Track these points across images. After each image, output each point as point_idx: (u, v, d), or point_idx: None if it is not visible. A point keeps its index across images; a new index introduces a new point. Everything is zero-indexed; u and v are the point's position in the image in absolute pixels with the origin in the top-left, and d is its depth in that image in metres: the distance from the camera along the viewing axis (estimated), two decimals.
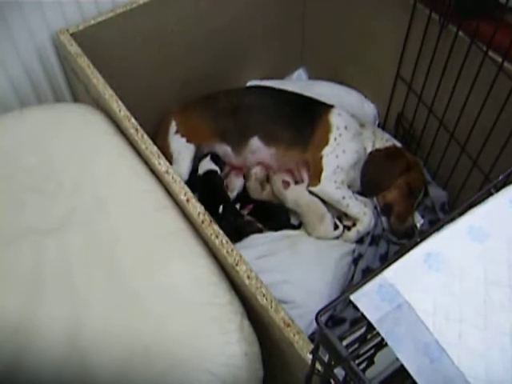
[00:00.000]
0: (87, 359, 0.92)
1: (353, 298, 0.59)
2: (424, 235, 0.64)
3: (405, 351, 0.56)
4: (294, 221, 1.59)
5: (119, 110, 1.22)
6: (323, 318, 0.60)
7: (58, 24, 1.42)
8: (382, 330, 0.57)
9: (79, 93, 1.55)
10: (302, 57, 2.03)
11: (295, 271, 1.41)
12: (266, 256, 1.45)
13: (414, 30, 1.49)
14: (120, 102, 1.24)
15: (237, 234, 1.48)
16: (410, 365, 0.56)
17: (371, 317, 0.58)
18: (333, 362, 0.64)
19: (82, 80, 1.39)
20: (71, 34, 1.39)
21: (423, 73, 1.50)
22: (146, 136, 1.18)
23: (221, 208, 1.52)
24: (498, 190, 0.69)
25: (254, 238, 1.51)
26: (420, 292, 0.59)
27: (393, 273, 0.60)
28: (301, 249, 1.47)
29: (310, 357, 0.86)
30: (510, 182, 0.69)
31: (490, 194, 0.68)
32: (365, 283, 0.60)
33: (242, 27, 1.73)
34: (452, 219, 0.65)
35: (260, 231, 1.53)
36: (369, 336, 0.63)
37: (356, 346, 0.63)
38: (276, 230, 1.54)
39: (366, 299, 0.59)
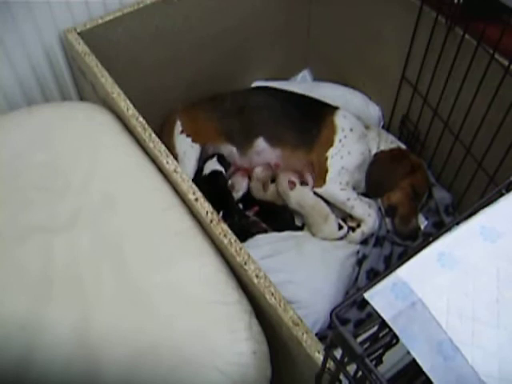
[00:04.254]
0: (95, 356, 0.92)
1: (367, 296, 0.60)
2: (437, 235, 0.64)
3: (418, 349, 0.57)
4: (297, 222, 1.60)
5: (127, 109, 1.23)
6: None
7: (65, 23, 1.43)
8: (396, 328, 0.58)
9: (86, 92, 1.56)
10: (307, 58, 2.03)
11: (300, 271, 1.42)
12: (270, 256, 1.45)
13: (420, 32, 1.49)
14: (128, 101, 1.25)
15: (242, 234, 1.48)
16: (424, 363, 0.56)
17: (385, 315, 0.58)
18: (346, 360, 0.64)
19: (89, 79, 1.40)
20: (79, 33, 1.39)
21: (429, 75, 1.51)
22: (153, 135, 1.19)
23: (221, 213, 1.52)
24: (508, 190, 0.69)
25: (259, 239, 1.51)
26: (433, 290, 0.59)
27: (406, 271, 0.61)
28: (305, 249, 1.48)
29: (320, 356, 0.87)
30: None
31: (502, 195, 0.68)
32: (378, 281, 0.60)
33: (248, 28, 1.73)
34: (464, 219, 0.66)
35: (265, 231, 1.54)
36: (380, 334, 0.63)
37: (368, 344, 0.63)
38: (280, 230, 1.55)
39: (379, 297, 0.59)
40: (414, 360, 0.56)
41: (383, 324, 0.59)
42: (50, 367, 0.92)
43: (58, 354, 0.94)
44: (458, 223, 0.66)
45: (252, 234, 1.52)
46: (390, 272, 0.61)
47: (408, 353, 0.57)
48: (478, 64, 1.32)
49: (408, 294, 0.59)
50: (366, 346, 0.62)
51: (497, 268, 0.62)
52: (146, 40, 1.52)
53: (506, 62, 1.25)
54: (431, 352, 0.57)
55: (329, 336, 0.63)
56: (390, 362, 0.82)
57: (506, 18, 1.26)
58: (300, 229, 1.59)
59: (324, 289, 1.39)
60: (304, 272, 1.42)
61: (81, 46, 1.36)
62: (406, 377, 0.74)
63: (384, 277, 0.61)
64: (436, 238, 0.64)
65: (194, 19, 1.58)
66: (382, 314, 0.58)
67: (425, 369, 0.56)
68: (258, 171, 1.62)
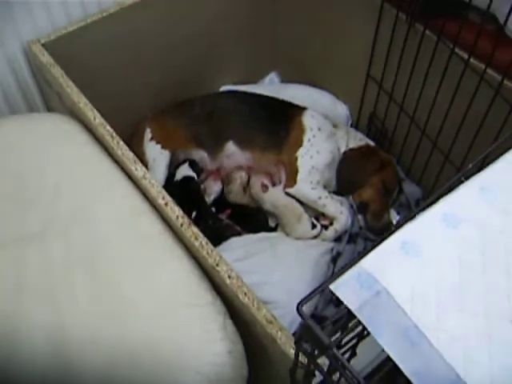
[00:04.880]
0: (72, 365, 0.92)
1: (332, 287, 0.61)
2: (399, 224, 0.66)
3: (385, 337, 0.58)
4: (271, 222, 1.61)
5: (94, 118, 1.23)
6: (304, 309, 0.61)
7: (29, 35, 1.42)
8: (362, 317, 0.58)
9: (53, 102, 1.55)
10: (274, 61, 2.05)
11: (275, 272, 1.42)
12: (245, 258, 1.45)
13: (382, 30, 1.51)
14: (95, 110, 1.24)
15: (215, 237, 1.48)
16: (390, 350, 0.57)
17: (351, 305, 0.59)
18: (316, 352, 0.65)
19: (55, 90, 1.39)
20: (43, 45, 1.39)
21: (393, 71, 1.53)
22: (121, 142, 1.19)
23: (194, 214, 1.53)
24: (467, 178, 0.71)
25: (233, 241, 1.52)
26: (397, 279, 0.60)
27: (370, 261, 0.62)
28: (280, 250, 1.48)
29: (294, 350, 0.88)
30: (479, 171, 0.71)
31: (461, 182, 0.70)
32: (343, 273, 0.61)
33: (213, 33, 1.74)
34: (425, 207, 0.67)
35: (239, 234, 1.54)
36: (350, 325, 0.64)
37: (338, 335, 0.64)
38: (254, 232, 1.55)
39: (344, 288, 0.60)
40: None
41: (351, 314, 0.60)
42: (26, 378, 0.92)
43: (35, 364, 0.93)
44: (420, 211, 0.67)
45: (226, 237, 1.52)
46: (355, 263, 0.62)
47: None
48: (439, 59, 1.35)
49: (373, 283, 0.60)
50: (336, 337, 0.63)
51: (459, 254, 0.64)
52: (111, 48, 1.52)
53: (465, 56, 1.28)
54: (397, 339, 0.58)
55: (298, 329, 0.64)
56: (369, 357, 0.84)
57: (464, 14, 1.29)
58: (274, 230, 1.60)
59: (299, 288, 1.40)
60: (279, 272, 1.43)
61: (45, 58, 1.36)
62: (383, 371, 0.75)
63: (349, 267, 0.62)
64: (399, 226, 0.65)
65: (159, 26, 1.58)
66: (348, 304, 0.59)
67: (392, 356, 0.57)
68: (242, 175, 1.63)
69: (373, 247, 0.63)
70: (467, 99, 1.31)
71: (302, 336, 0.64)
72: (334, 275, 0.62)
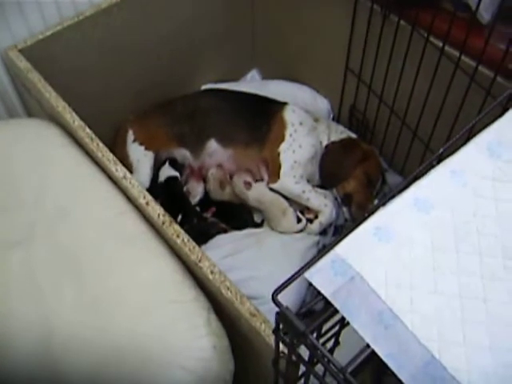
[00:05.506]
0: (59, 366, 0.93)
1: (307, 275, 0.62)
2: (372, 210, 0.66)
3: (360, 321, 0.58)
4: (257, 218, 1.61)
5: (73, 121, 1.23)
6: (279, 297, 0.62)
7: (5, 41, 1.41)
8: (337, 303, 0.59)
9: (32, 108, 1.55)
10: (254, 58, 2.06)
11: (262, 267, 1.43)
12: (232, 255, 1.46)
13: (358, 23, 1.52)
14: (74, 114, 1.25)
15: (202, 236, 1.49)
16: (365, 334, 0.58)
17: (325, 291, 0.60)
18: (295, 341, 0.66)
19: (34, 95, 1.39)
20: (19, 50, 1.39)
21: (371, 63, 1.54)
22: (101, 144, 1.19)
23: (179, 217, 1.53)
24: (439, 162, 0.72)
25: (220, 239, 1.53)
26: (371, 264, 0.61)
27: (344, 248, 0.62)
28: (266, 245, 1.49)
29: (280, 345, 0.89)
30: (449, 155, 0.72)
31: (432, 167, 0.70)
32: (318, 260, 0.62)
33: (191, 32, 1.74)
34: (397, 193, 0.68)
35: (225, 231, 1.55)
36: (329, 313, 0.64)
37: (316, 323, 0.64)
38: (240, 229, 1.56)
39: (319, 275, 0.61)
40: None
41: (328, 302, 0.61)
42: (14, 379, 0.92)
43: (23, 365, 0.94)
44: (392, 198, 0.68)
45: (212, 235, 1.53)
46: (329, 250, 0.62)
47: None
48: (415, 48, 1.36)
49: (347, 269, 0.61)
50: (313, 325, 0.64)
51: (431, 237, 0.64)
52: (88, 52, 1.52)
53: (440, 44, 1.29)
54: (372, 323, 0.58)
55: (275, 318, 0.64)
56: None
57: (438, 3, 1.30)
58: (259, 225, 1.60)
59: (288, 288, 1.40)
60: (266, 267, 1.44)
61: (23, 63, 1.36)
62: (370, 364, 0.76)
63: (323, 255, 0.62)
64: (371, 213, 0.66)
65: (136, 27, 1.58)
66: (323, 291, 0.60)
67: (367, 340, 0.58)
68: (213, 172, 1.63)
69: (346, 234, 0.64)
70: (444, 87, 1.32)
71: (279, 323, 0.64)
72: (308, 263, 0.62)
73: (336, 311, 0.61)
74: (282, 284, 0.63)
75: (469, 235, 0.66)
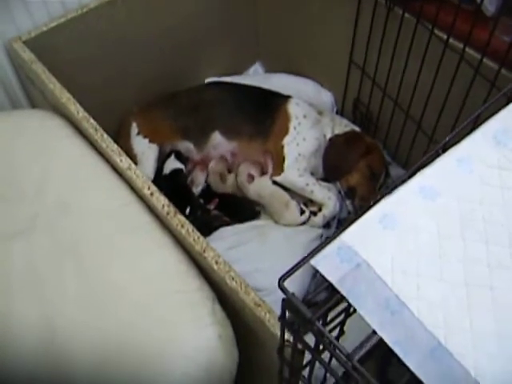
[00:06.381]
0: (62, 358, 0.93)
1: (313, 262, 0.61)
2: (378, 198, 0.66)
3: (366, 308, 0.58)
4: (259, 208, 1.61)
5: (77, 112, 1.23)
6: (286, 284, 0.62)
7: (9, 33, 1.41)
8: (343, 289, 0.59)
9: (36, 100, 1.55)
10: (257, 51, 2.05)
11: (265, 259, 1.43)
12: (235, 247, 1.46)
13: (362, 15, 1.52)
14: (78, 105, 1.25)
15: (205, 228, 1.49)
16: (372, 320, 0.58)
17: (332, 278, 0.60)
18: (301, 329, 0.66)
19: (38, 86, 1.39)
20: (24, 42, 1.39)
21: (375, 56, 1.54)
22: (105, 135, 1.19)
23: (188, 209, 1.53)
24: (444, 150, 0.72)
25: (223, 231, 1.53)
26: (377, 251, 0.61)
27: (350, 235, 0.62)
28: (269, 237, 1.49)
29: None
30: (453, 145, 0.72)
31: (438, 155, 0.70)
32: (324, 247, 0.62)
33: (194, 25, 1.74)
34: (403, 181, 0.68)
35: (228, 224, 1.55)
36: (334, 301, 0.64)
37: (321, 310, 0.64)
38: (243, 221, 1.56)
39: (325, 262, 0.61)
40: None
41: (334, 289, 0.61)
42: (17, 369, 0.93)
43: (25, 356, 0.94)
44: (398, 186, 0.68)
45: (215, 228, 1.53)
46: (335, 237, 0.62)
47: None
48: (419, 41, 1.35)
49: (353, 256, 0.61)
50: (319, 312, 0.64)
51: (437, 225, 0.64)
52: (92, 44, 1.52)
53: (444, 36, 1.29)
54: (378, 309, 0.58)
55: (281, 305, 0.64)
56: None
57: None
58: (259, 214, 1.61)
59: (290, 279, 1.40)
60: (269, 259, 1.44)
61: (27, 54, 1.36)
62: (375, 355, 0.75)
63: (329, 242, 0.62)
64: (377, 201, 0.66)
65: (139, 19, 1.58)
66: (329, 278, 0.60)
67: (373, 326, 0.58)
68: (213, 165, 1.63)
69: (352, 222, 0.64)
70: (448, 80, 1.31)
71: (285, 311, 0.64)
72: (314, 250, 0.62)
73: (341, 299, 0.61)
74: (289, 270, 0.63)
75: (475, 223, 0.65)
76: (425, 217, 0.65)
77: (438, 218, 0.65)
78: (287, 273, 0.63)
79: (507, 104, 0.75)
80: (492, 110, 0.75)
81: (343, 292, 0.59)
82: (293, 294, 0.61)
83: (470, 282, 0.61)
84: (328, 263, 0.61)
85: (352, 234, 0.62)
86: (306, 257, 0.63)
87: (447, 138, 0.73)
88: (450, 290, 0.60)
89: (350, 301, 0.59)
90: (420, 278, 0.61)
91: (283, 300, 0.63)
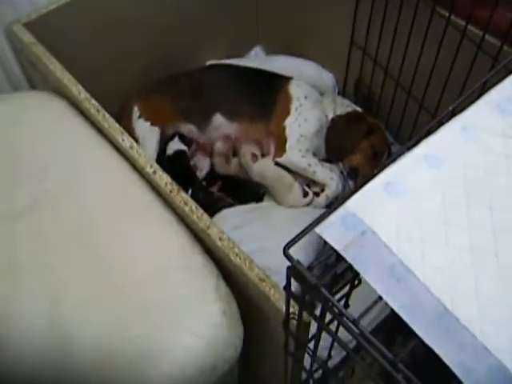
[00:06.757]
0: (68, 336, 0.93)
1: (318, 230, 0.62)
2: (381, 167, 0.66)
3: (371, 274, 0.58)
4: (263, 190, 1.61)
5: (79, 93, 1.23)
6: (291, 251, 0.62)
7: (9, 16, 1.40)
8: (348, 256, 0.59)
9: (37, 83, 1.55)
10: (258, 34, 2.04)
11: (269, 239, 1.43)
12: (239, 227, 1.46)
13: None
14: (79, 85, 1.24)
15: (208, 209, 1.49)
16: (377, 286, 0.58)
17: (337, 246, 0.60)
18: (306, 297, 0.66)
19: (39, 69, 1.39)
20: (24, 24, 1.38)
21: (376, 36, 1.53)
22: (107, 115, 1.19)
23: (190, 191, 1.54)
24: (448, 120, 0.72)
25: (226, 213, 1.53)
26: (382, 218, 0.61)
27: (354, 203, 0.62)
28: (273, 217, 1.49)
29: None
30: (459, 112, 0.71)
31: (442, 124, 0.70)
32: (328, 215, 0.62)
33: (195, 7, 1.73)
34: (407, 150, 0.68)
35: (231, 205, 1.55)
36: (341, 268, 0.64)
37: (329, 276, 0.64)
38: (246, 202, 1.56)
39: (330, 230, 0.61)
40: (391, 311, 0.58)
41: (339, 257, 0.61)
42: (23, 351, 0.93)
43: (32, 337, 0.94)
44: (401, 154, 0.68)
45: (218, 209, 1.53)
46: (339, 205, 0.63)
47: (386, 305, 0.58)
48: (420, 19, 1.35)
49: (358, 223, 0.61)
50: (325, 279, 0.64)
51: (442, 192, 0.64)
52: (92, 26, 1.51)
53: (446, 14, 1.28)
54: (384, 275, 0.58)
55: (286, 273, 0.64)
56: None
57: None
58: (263, 196, 1.61)
59: (294, 254, 1.40)
60: (273, 240, 1.43)
61: (27, 37, 1.35)
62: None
63: (334, 211, 0.62)
64: (381, 169, 0.66)
65: (140, 1, 1.58)
66: (334, 245, 0.60)
67: (379, 292, 0.58)
68: (219, 145, 1.63)
69: (356, 190, 0.64)
70: (450, 58, 1.31)
71: (290, 279, 0.64)
72: (319, 218, 0.62)
73: (346, 269, 0.61)
74: (294, 238, 0.63)
75: (479, 190, 0.65)
76: (429, 184, 0.64)
77: (442, 186, 0.65)
78: (292, 240, 0.63)
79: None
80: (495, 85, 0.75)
81: (348, 259, 0.59)
82: (297, 260, 0.61)
83: (475, 248, 0.61)
84: (333, 231, 0.61)
85: (356, 202, 0.63)
86: (310, 224, 0.62)
87: (450, 108, 0.73)
88: (456, 256, 0.60)
89: (356, 267, 0.59)
90: (425, 245, 0.61)
91: (288, 268, 0.63)
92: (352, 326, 0.59)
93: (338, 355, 1.01)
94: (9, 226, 1.06)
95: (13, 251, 1.03)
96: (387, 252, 0.59)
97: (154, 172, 1.09)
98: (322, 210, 1.47)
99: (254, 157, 1.59)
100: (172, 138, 1.63)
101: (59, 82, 1.27)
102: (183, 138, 1.62)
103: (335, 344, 0.76)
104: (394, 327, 0.72)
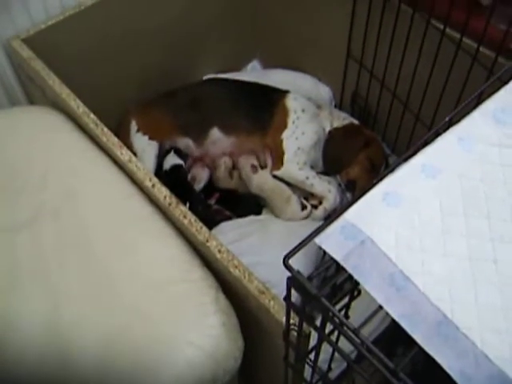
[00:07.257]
0: (67, 344, 0.94)
1: (317, 240, 0.62)
2: (380, 177, 0.67)
3: (371, 284, 0.59)
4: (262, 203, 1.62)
5: (77, 107, 1.23)
6: (291, 262, 0.62)
7: (8, 32, 1.42)
8: (348, 265, 0.60)
9: (36, 98, 1.55)
10: (255, 48, 2.05)
11: (268, 252, 1.43)
12: (237, 241, 1.46)
13: (358, 8, 1.52)
14: (78, 100, 1.25)
15: (206, 223, 1.49)
16: (378, 296, 0.58)
17: (337, 256, 0.60)
18: (306, 308, 0.66)
19: (38, 84, 1.40)
20: (22, 40, 1.39)
21: (372, 49, 1.54)
22: (106, 129, 1.20)
23: (187, 205, 1.54)
24: (445, 130, 0.72)
25: (224, 226, 1.53)
26: (381, 228, 0.62)
27: (353, 213, 0.63)
28: (271, 230, 1.49)
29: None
30: (455, 123, 0.72)
31: (439, 135, 0.71)
32: (327, 226, 0.63)
33: (192, 22, 1.75)
34: (405, 160, 0.68)
35: (229, 218, 1.55)
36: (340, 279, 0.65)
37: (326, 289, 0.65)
38: (244, 215, 1.56)
39: (329, 240, 0.61)
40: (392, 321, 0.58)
41: (339, 268, 0.61)
42: (23, 358, 0.93)
43: (31, 345, 0.95)
44: (399, 164, 0.68)
45: (216, 223, 1.53)
46: (338, 216, 0.63)
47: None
48: (416, 31, 1.36)
49: (357, 233, 0.61)
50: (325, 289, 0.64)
51: (439, 201, 0.65)
52: (90, 42, 1.52)
53: (441, 26, 1.29)
54: (384, 285, 0.59)
55: (286, 283, 0.65)
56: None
57: None
58: (262, 209, 1.61)
59: (293, 265, 1.41)
60: (271, 252, 1.43)
61: (26, 53, 1.36)
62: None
63: (333, 221, 0.63)
64: (379, 180, 0.67)
65: (137, 16, 1.58)
66: (334, 255, 0.60)
67: (379, 301, 0.58)
68: (226, 160, 1.64)
69: (355, 201, 0.64)
70: (446, 69, 1.32)
71: (290, 289, 0.65)
72: (318, 228, 0.63)
73: (346, 280, 0.62)
74: (294, 248, 0.63)
75: (477, 200, 0.66)
76: (427, 194, 0.65)
77: (440, 195, 0.65)
78: (292, 251, 0.63)
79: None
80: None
81: (348, 268, 0.59)
82: (298, 271, 0.62)
83: (474, 257, 0.62)
84: (332, 241, 0.61)
85: (355, 212, 0.63)
86: (310, 235, 0.63)
87: (447, 118, 0.74)
88: (455, 264, 0.61)
89: (356, 277, 0.59)
90: (424, 254, 0.61)
91: (288, 278, 0.63)
92: (353, 336, 0.60)
93: (338, 368, 1.01)
94: (10, 238, 1.07)
95: (13, 263, 1.04)
96: (387, 261, 0.60)
97: (153, 185, 1.09)
98: (321, 223, 1.49)
99: (254, 168, 1.59)
100: (168, 152, 1.63)
101: (58, 97, 1.28)
102: (179, 153, 1.63)
103: (335, 356, 0.77)
104: (393, 338, 0.72)
